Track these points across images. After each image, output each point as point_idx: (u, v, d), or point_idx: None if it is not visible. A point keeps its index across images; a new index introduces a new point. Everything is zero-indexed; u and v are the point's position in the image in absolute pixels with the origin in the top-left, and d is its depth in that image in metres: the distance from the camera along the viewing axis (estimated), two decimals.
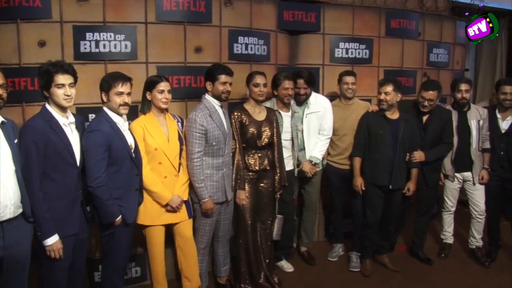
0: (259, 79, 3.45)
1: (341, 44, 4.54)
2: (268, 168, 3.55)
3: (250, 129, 3.45)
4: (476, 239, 4.24)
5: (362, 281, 3.90)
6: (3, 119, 2.45)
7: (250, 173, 3.51)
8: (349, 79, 4.03)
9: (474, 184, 4.10)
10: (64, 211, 2.60)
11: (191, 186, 3.28)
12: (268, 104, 3.74)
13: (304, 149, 3.95)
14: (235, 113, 3.47)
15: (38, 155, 2.47)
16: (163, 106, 3.10)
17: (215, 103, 3.30)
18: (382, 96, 3.72)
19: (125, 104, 2.81)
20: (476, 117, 4.04)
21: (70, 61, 3.01)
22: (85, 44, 3.39)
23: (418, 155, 3.85)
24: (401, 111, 3.84)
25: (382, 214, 3.90)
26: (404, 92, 3.91)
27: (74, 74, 2.62)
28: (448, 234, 4.39)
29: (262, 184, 3.58)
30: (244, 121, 3.46)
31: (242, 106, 3.55)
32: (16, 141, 2.47)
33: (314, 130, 3.98)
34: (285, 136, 3.75)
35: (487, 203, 4.14)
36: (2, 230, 2.37)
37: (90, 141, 2.69)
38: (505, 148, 4.03)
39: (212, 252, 3.66)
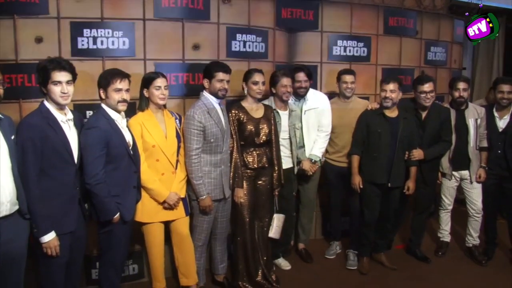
0: (257, 77, 3.44)
1: (339, 42, 4.53)
2: (266, 165, 3.55)
3: (248, 126, 3.44)
4: (473, 237, 4.24)
5: (359, 279, 3.90)
6: (0, 115, 2.43)
7: (248, 171, 3.51)
8: (348, 78, 4.02)
9: (471, 182, 4.10)
10: (61, 209, 2.59)
11: (189, 183, 3.27)
12: (266, 103, 3.73)
13: (303, 146, 3.95)
14: (233, 111, 3.46)
15: (35, 152, 2.46)
16: (160, 102, 3.09)
17: (213, 100, 3.30)
18: (388, 94, 3.71)
19: (124, 100, 2.80)
20: (474, 115, 4.04)
21: (67, 58, 2.98)
22: (82, 41, 3.36)
23: (417, 154, 3.84)
24: (400, 109, 3.83)
25: (379, 212, 3.90)
26: (402, 90, 3.91)
27: (72, 71, 2.59)
28: (445, 232, 4.39)
29: (260, 182, 3.58)
30: (242, 118, 3.45)
31: (239, 103, 3.53)
32: (13, 137, 2.46)
33: (313, 126, 3.97)
34: (283, 135, 3.74)
35: (484, 202, 4.14)
36: None
37: (88, 138, 2.68)
38: (502, 146, 4.03)
39: (209, 250, 3.66)
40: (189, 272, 3.34)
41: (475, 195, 4.12)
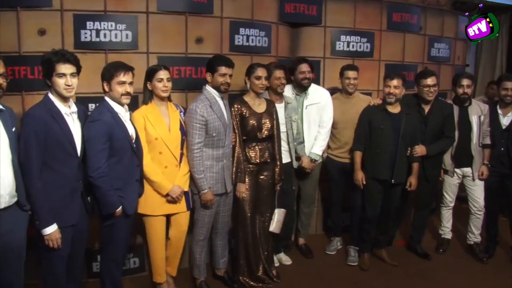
0: (260, 72, 3.42)
1: (342, 37, 4.51)
2: (268, 160, 3.54)
3: (251, 121, 3.43)
4: (475, 235, 4.24)
5: (360, 275, 3.90)
6: (1, 107, 2.43)
7: (251, 166, 3.50)
8: (351, 73, 4.00)
9: (473, 179, 4.09)
10: (63, 201, 2.59)
11: (192, 178, 3.26)
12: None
13: (303, 142, 3.94)
14: (235, 106, 3.45)
15: (38, 144, 2.45)
16: (163, 94, 3.09)
17: (216, 94, 3.28)
18: (392, 90, 3.69)
19: (127, 93, 2.79)
20: (477, 112, 4.03)
21: (70, 50, 2.97)
22: (85, 33, 3.35)
23: (420, 149, 3.83)
24: (403, 105, 3.82)
25: (381, 209, 3.90)
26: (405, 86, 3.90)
27: (76, 64, 2.58)
28: (446, 229, 4.39)
29: (262, 177, 3.57)
30: (244, 113, 3.44)
31: (242, 98, 3.52)
32: (14, 129, 2.45)
33: (315, 122, 3.96)
34: (281, 128, 3.71)
35: (486, 199, 4.13)
36: None
37: (92, 131, 2.67)
38: (506, 144, 4.02)
39: (210, 244, 3.66)
40: (174, 266, 3.44)
41: (477, 192, 4.11)
